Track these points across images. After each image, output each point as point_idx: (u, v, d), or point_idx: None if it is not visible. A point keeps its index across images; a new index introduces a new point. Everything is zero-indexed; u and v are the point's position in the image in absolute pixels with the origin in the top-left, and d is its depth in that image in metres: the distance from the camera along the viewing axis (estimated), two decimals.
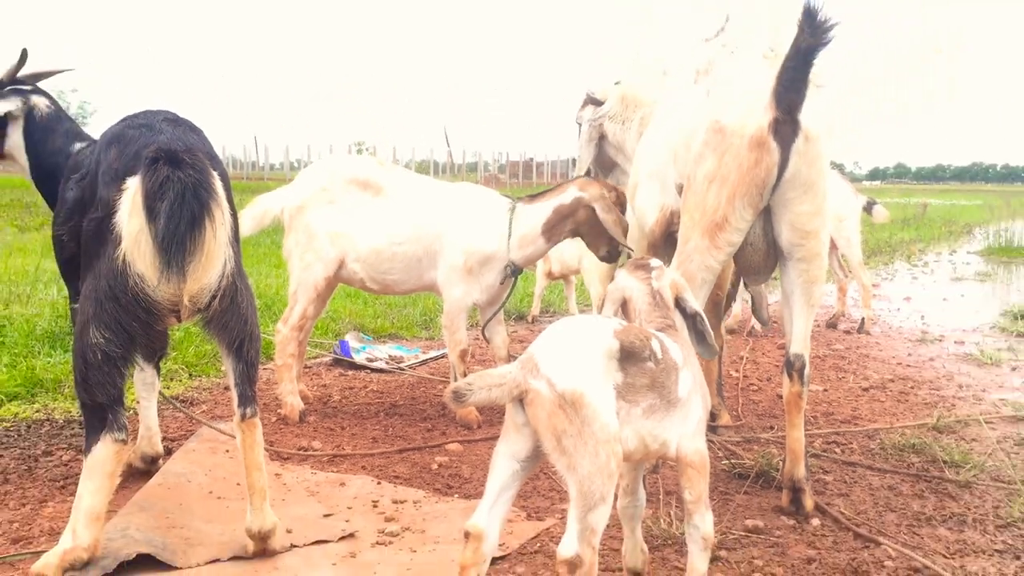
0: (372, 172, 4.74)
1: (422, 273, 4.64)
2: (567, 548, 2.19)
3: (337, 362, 6.07)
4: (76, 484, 3.58)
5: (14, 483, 3.70)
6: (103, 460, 2.75)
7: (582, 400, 2.21)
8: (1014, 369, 6.44)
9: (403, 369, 5.92)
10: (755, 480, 3.85)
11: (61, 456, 4.03)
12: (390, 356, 6.23)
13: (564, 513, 3.34)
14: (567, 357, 2.28)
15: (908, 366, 6.51)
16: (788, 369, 3.47)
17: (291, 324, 4.67)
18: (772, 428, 4.72)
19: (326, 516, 3.34)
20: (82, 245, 2.87)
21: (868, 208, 8.42)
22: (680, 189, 3.95)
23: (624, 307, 2.81)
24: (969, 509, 3.61)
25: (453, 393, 2.21)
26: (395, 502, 3.50)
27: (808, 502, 3.48)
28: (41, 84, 3.95)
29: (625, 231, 4.49)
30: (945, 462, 4.10)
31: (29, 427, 4.44)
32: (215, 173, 2.76)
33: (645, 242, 4.36)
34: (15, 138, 3.83)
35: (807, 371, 3.48)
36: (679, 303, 2.82)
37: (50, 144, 3.78)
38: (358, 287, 4.90)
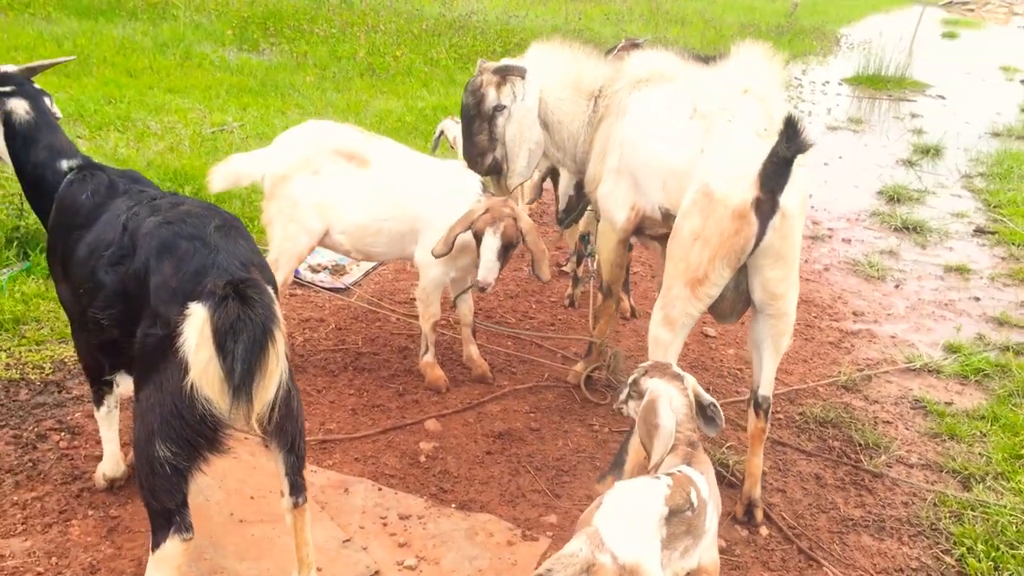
0: (357, 143, 4.72)
1: (405, 246, 4.78)
2: None
3: None
4: (88, 485, 3.85)
5: (25, 487, 3.82)
6: (171, 557, 2.96)
7: (640, 570, 2.60)
8: (897, 287, 7.16)
9: (349, 287, 6.11)
10: None
11: (57, 441, 4.15)
12: (333, 264, 6.37)
13: (554, 528, 3.84)
14: (627, 530, 2.64)
15: (807, 279, 7.12)
16: (756, 408, 3.94)
17: None
18: (709, 389, 5.23)
19: (345, 542, 3.69)
20: (138, 353, 2.93)
21: None
22: (664, 212, 4.20)
23: (651, 408, 3.13)
24: (884, 507, 4.28)
25: None
26: (401, 518, 3.87)
27: (759, 514, 4.05)
28: None
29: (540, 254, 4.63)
30: (859, 444, 4.74)
31: (7, 390, 4.48)
32: (273, 293, 2.88)
33: (616, 238, 4.60)
34: None
35: (770, 410, 3.97)
36: (697, 398, 3.20)
37: (32, 155, 3.64)
38: (342, 254, 5.01)
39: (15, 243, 5.64)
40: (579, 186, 5.83)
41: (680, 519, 2.77)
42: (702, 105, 3.96)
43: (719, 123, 3.78)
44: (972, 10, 40.38)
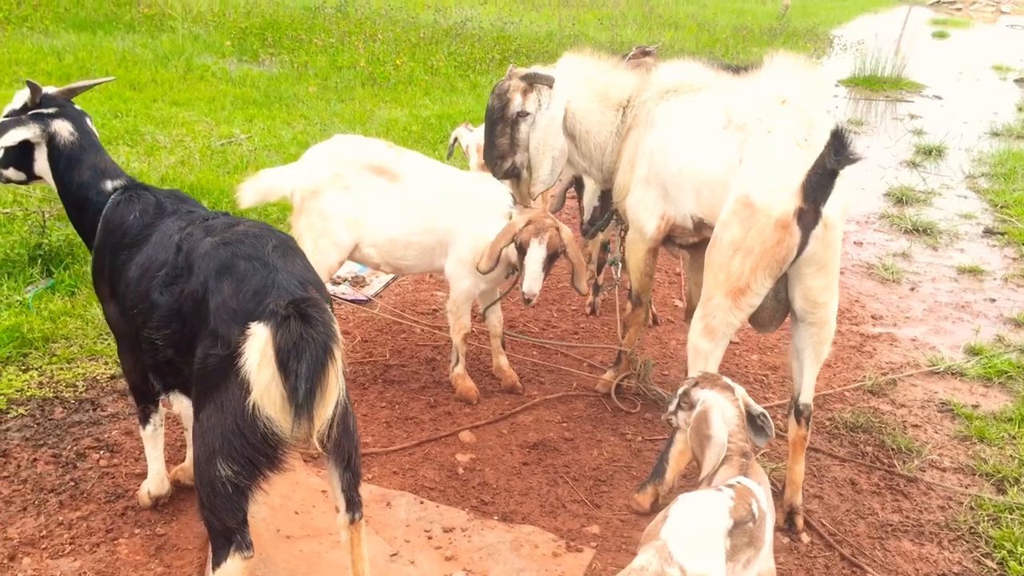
0: (386, 157, 4.73)
1: (434, 259, 4.80)
2: None
3: None
4: (132, 503, 3.85)
5: (69, 506, 3.82)
6: (232, 575, 2.98)
7: None
8: (913, 289, 7.20)
9: (371, 299, 6.12)
10: None
11: (97, 459, 4.14)
12: (353, 276, 6.38)
13: (597, 539, 3.85)
14: (694, 543, 2.65)
15: None
16: (796, 416, 3.96)
17: None
18: None
19: (392, 556, 3.69)
20: (198, 374, 2.93)
21: None
22: (696, 221, 4.23)
23: (703, 419, 3.15)
24: (921, 512, 4.29)
25: None
26: (445, 531, 3.87)
27: (800, 522, 4.07)
28: None
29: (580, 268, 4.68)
30: (891, 449, 4.77)
31: (42, 409, 4.47)
32: (331, 311, 2.89)
33: (645, 247, 4.61)
34: (41, 163, 3.69)
35: (811, 418, 3.99)
36: (746, 408, 3.21)
37: (76, 176, 3.64)
38: (371, 267, 5.04)
39: (39, 260, 5.64)
40: (604, 196, 5.87)
41: (743, 531, 2.79)
42: (737, 115, 3.98)
43: (757, 133, 3.80)
44: (960, 9, 40.65)
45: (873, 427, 4.96)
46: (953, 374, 5.74)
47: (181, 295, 3.03)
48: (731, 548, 2.75)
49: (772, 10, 29.00)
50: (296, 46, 14.98)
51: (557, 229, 4.44)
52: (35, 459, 4.11)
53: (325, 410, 2.81)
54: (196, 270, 2.99)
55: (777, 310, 3.93)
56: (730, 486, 2.87)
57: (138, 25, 15.38)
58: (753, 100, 3.96)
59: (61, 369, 4.81)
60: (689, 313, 4.92)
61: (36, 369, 4.80)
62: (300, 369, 2.70)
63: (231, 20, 16.67)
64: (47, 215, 5.90)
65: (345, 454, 3.11)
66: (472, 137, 7.41)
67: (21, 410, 4.43)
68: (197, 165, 8.22)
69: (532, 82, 4.75)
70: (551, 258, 4.43)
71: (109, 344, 5.08)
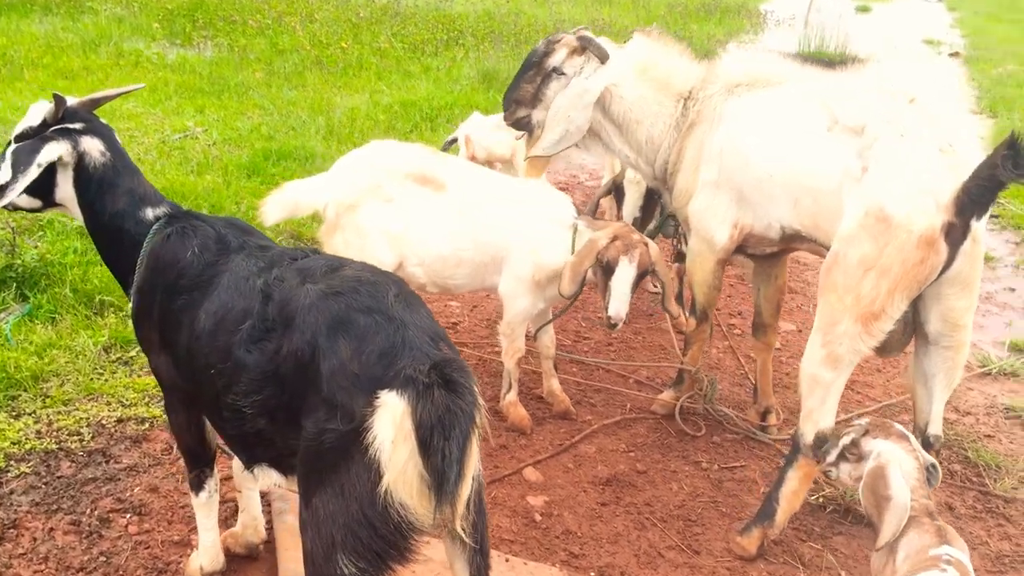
0: (430, 165, 4.20)
1: (485, 277, 4.29)
2: None
3: None
4: None
5: None
6: None
7: None
8: None
9: None
10: (844, 515, 4.04)
11: (124, 525, 3.56)
12: None
13: None
14: None
15: None
16: (926, 449, 3.58)
17: None
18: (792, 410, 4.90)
19: None
20: (311, 451, 2.41)
21: None
22: (789, 232, 3.84)
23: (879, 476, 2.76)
24: None
25: None
26: None
27: None
28: None
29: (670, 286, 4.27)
30: (979, 466, 4.46)
31: (46, 465, 3.85)
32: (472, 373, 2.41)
33: (714, 258, 4.20)
34: (66, 188, 3.07)
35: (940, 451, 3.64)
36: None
37: (109, 203, 3.06)
38: (415, 288, 4.51)
39: (13, 284, 4.94)
40: (646, 206, 5.44)
41: None
42: (848, 116, 3.56)
43: (886, 138, 3.37)
44: None
45: (951, 441, 4.65)
46: (1005, 374, 5.49)
47: (277, 355, 2.50)
48: None
49: None
50: (231, 28, 14.11)
51: (646, 244, 3.98)
52: (51, 529, 3.51)
53: (464, 489, 2.34)
54: (299, 325, 2.46)
55: (904, 333, 3.54)
56: (947, 561, 2.49)
57: (55, 7, 14.30)
58: (869, 98, 3.55)
59: (59, 413, 4.18)
60: (757, 327, 4.52)
61: (30, 415, 4.15)
62: (448, 448, 2.23)
63: (155, 0, 15.67)
64: (16, 231, 5.20)
65: (478, 535, 2.63)
66: (462, 128, 6.89)
67: (23, 467, 3.81)
68: (157, 164, 7.49)
69: (585, 46, 4.39)
70: (640, 277, 3.97)
71: (107, 380, 4.47)
